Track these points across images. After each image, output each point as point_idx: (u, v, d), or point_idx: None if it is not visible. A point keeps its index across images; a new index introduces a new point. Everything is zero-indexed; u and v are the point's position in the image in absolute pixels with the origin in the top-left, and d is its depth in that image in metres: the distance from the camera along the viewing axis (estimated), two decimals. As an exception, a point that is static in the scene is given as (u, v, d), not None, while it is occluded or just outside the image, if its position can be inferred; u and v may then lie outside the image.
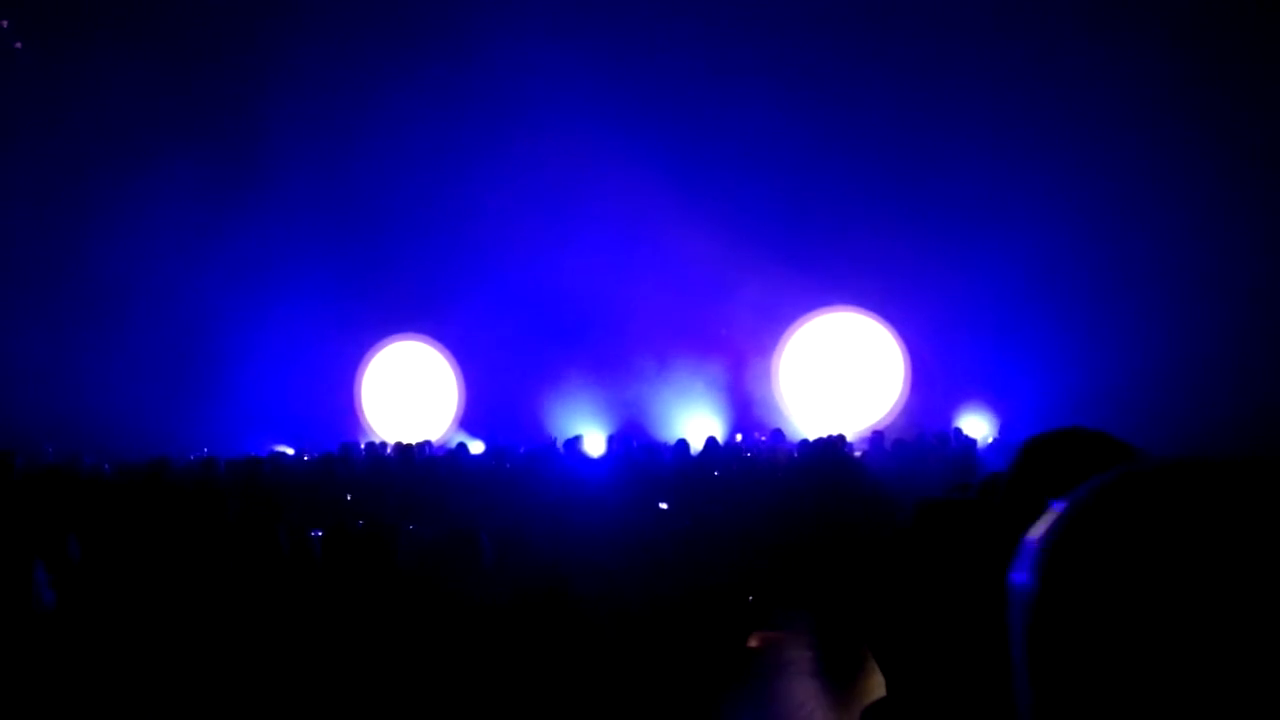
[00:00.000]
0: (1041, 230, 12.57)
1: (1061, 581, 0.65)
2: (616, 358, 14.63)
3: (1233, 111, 12.09)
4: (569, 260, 14.67)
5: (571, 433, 11.67)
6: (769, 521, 9.15)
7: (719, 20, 14.27)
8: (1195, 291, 11.79)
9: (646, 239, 14.45)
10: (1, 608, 2.84)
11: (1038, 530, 0.69)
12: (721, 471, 10.15)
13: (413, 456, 11.13)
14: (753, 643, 8.20)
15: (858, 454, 10.93)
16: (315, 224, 15.82)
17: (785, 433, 13.04)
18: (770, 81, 14.02)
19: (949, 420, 13.13)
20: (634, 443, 11.54)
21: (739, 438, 13.79)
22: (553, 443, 11.81)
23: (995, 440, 11.69)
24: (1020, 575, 0.69)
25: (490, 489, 8.88)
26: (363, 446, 12.34)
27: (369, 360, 17.64)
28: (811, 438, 11.39)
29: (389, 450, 12.01)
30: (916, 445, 10.96)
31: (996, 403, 13.23)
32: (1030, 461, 1.74)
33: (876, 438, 11.35)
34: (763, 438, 13.39)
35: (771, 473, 10.63)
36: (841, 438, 10.41)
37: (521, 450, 11.37)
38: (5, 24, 15.97)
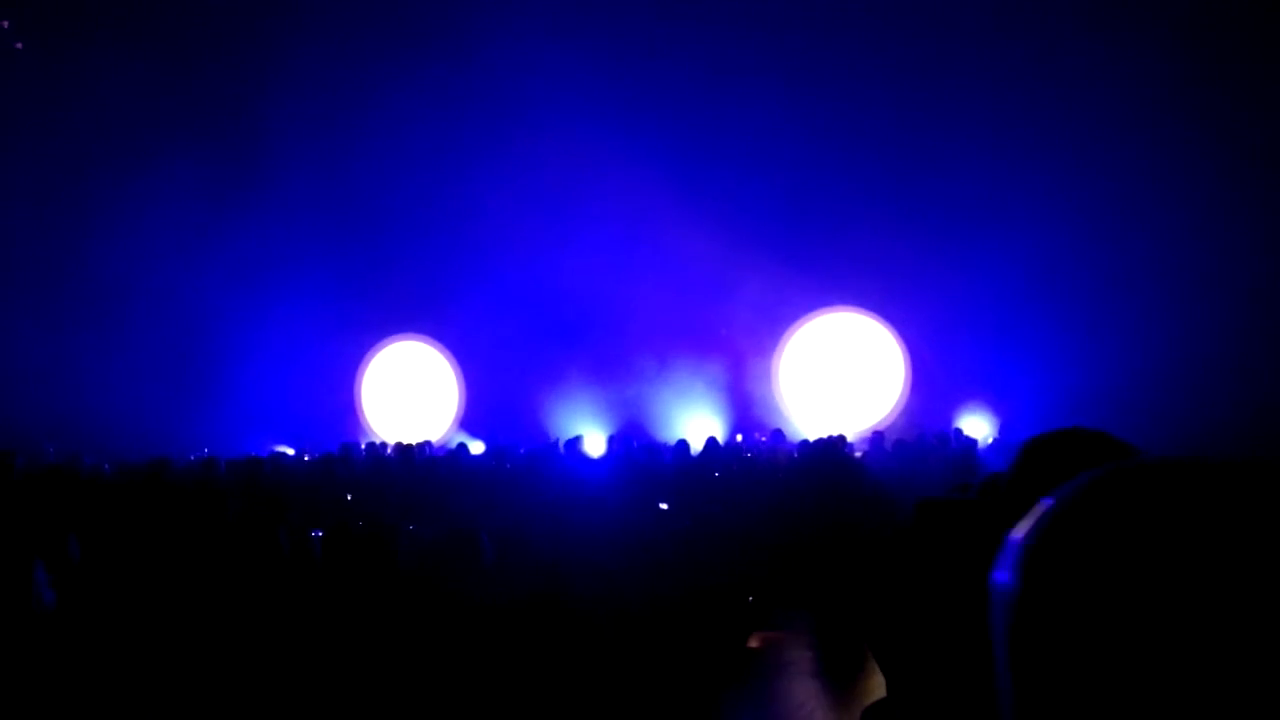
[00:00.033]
0: (1042, 230, 12.57)
1: (1043, 581, 0.65)
2: (617, 358, 14.64)
3: (1233, 111, 12.09)
4: (569, 260, 14.67)
5: (572, 433, 11.67)
6: (769, 522, 9.15)
7: (719, 20, 14.26)
8: (1195, 291, 11.79)
9: (647, 239, 14.45)
10: (2, 608, 2.84)
11: (1020, 529, 0.69)
12: (722, 472, 10.15)
13: (413, 457, 11.13)
14: (753, 643, 8.20)
15: (858, 454, 10.93)
16: (315, 224, 15.82)
17: (785, 433, 13.04)
18: (770, 81, 14.02)
19: (949, 420, 13.13)
20: (634, 443, 11.54)
21: (739, 438, 13.79)
22: (553, 443, 11.81)
23: (995, 440, 11.69)
24: (1002, 574, 0.69)
25: (491, 489, 8.88)
26: (363, 447, 12.34)
27: (369, 360, 17.64)
28: (812, 438, 11.39)
29: (389, 450, 12.01)
30: (917, 445, 10.95)
31: (997, 403, 13.23)
32: (1030, 462, 1.74)
33: (877, 438, 11.35)
34: (763, 438, 13.39)
35: (772, 473, 10.62)
36: (842, 438, 10.40)
37: (522, 450, 11.37)
38: (6, 24, 15.96)
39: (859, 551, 7.22)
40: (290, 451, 14.01)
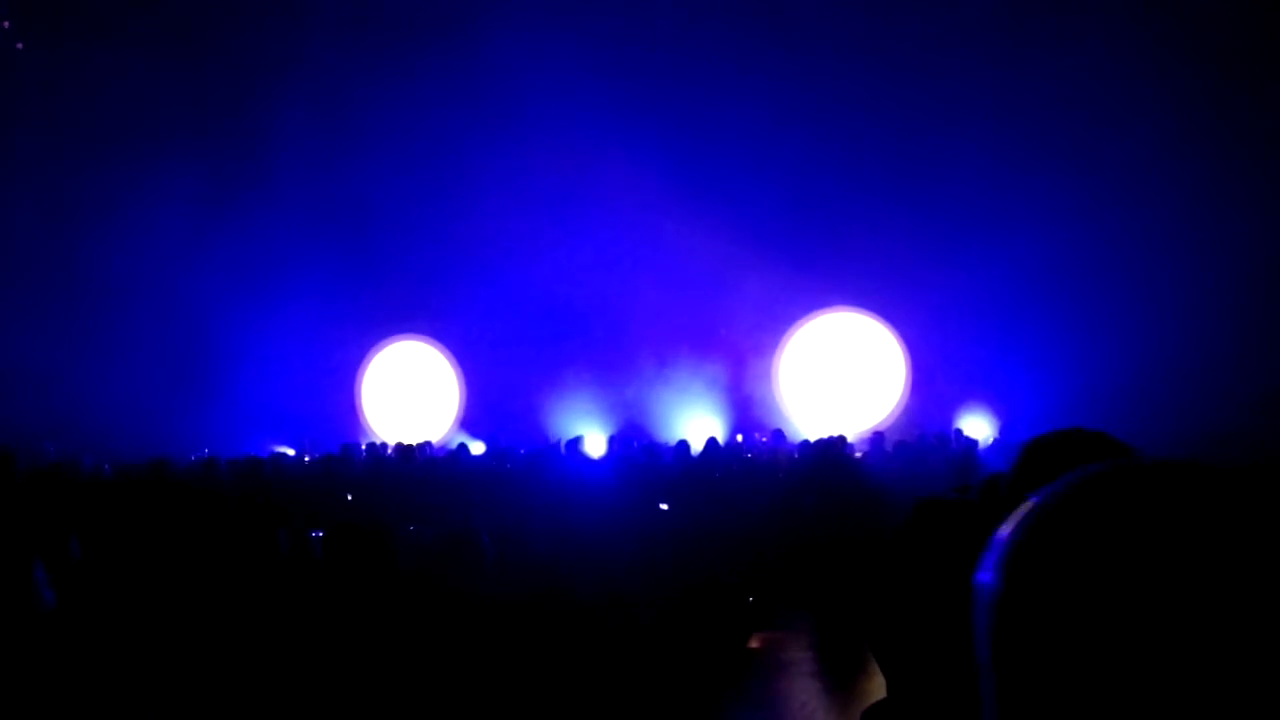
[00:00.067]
0: (1043, 231, 12.56)
1: (1024, 583, 0.64)
2: (617, 358, 14.64)
3: (1233, 112, 12.09)
4: (569, 260, 14.67)
5: (572, 433, 11.66)
6: (769, 522, 9.16)
7: (719, 20, 14.26)
8: (1196, 292, 11.78)
9: (647, 239, 14.45)
10: (2, 608, 2.84)
11: (1002, 531, 0.69)
12: (722, 472, 10.15)
13: (413, 457, 11.12)
14: (753, 643, 8.20)
15: (858, 455, 10.93)
16: (316, 224, 15.81)
17: (786, 433, 13.04)
18: (771, 81, 14.02)
19: (950, 421, 13.12)
20: (635, 443, 11.54)
21: (739, 438, 13.79)
22: (553, 443, 11.81)
23: (996, 441, 11.68)
24: (985, 575, 0.68)
25: (491, 490, 8.88)
26: (364, 447, 12.34)
27: (370, 361, 17.64)
28: (812, 438, 11.39)
29: (390, 451, 12.01)
30: (917, 446, 10.95)
31: (997, 403, 13.22)
32: (1031, 462, 1.74)
33: (877, 438, 11.34)
34: (763, 438, 13.39)
35: (772, 473, 10.63)
36: (842, 438, 10.40)
37: (522, 451, 11.37)
38: (6, 25, 15.97)
39: (859, 552, 7.22)
40: (291, 452, 14.01)
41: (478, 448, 12.60)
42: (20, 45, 16.07)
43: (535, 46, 13.84)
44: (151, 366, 14.43)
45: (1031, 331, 12.64)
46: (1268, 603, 0.57)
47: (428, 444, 13.27)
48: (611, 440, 11.61)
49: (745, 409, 14.82)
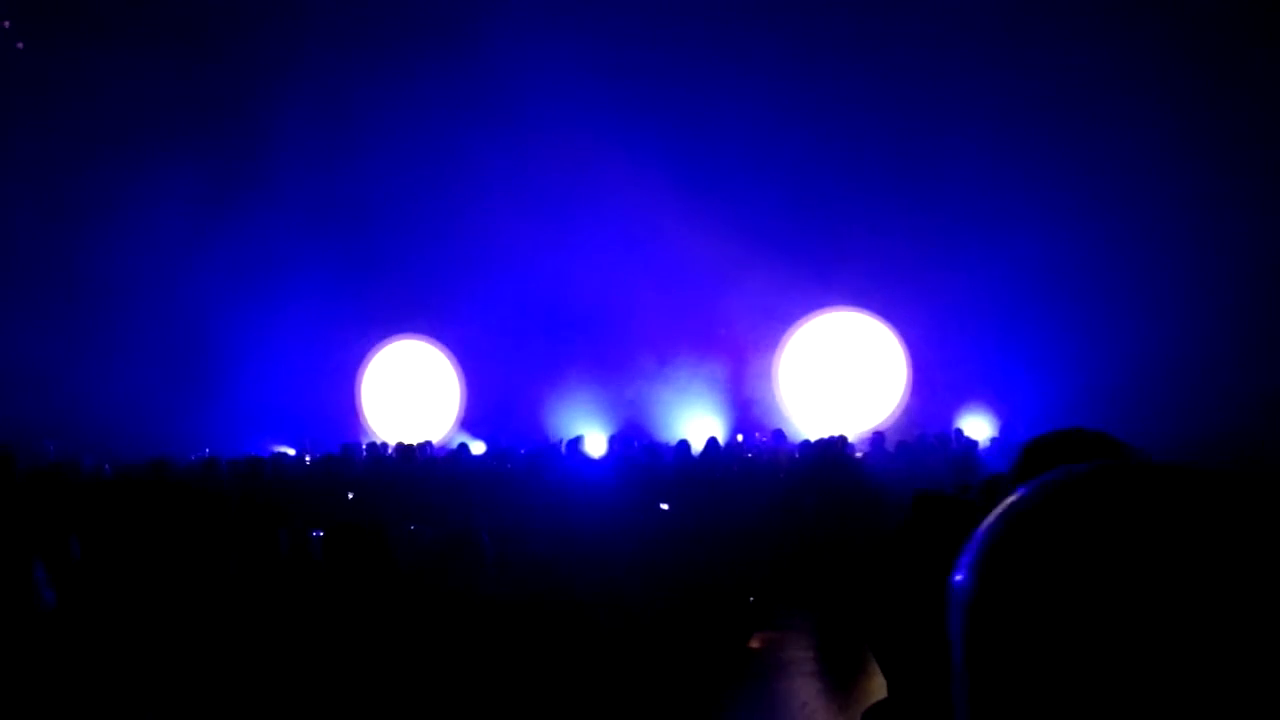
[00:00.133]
0: (1044, 231, 12.56)
1: (997, 585, 0.64)
2: (618, 358, 14.63)
3: (1233, 112, 12.09)
4: (570, 260, 14.66)
5: (573, 433, 11.66)
6: (770, 522, 9.16)
7: (720, 20, 14.26)
8: (1196, 292, 11.78)
9: (648, 238, 14.44)
10: (1, 607, 2.84)
11: (978, 531, 0.68)
12: (722, 472, 10.15)
13: (414, 457, 11.13)
14: (754, 643, 8.20)
15: (859, 455, 10.94)
16: (317, 223, 15.81)
17: (786, 433, 13.04)
18: (772, 80, 14.02)
19: (950, 421, 13.12)
20: (635, 443, 11.54)
21: (740, 438, 13.79)
22: (554, 443, 11.81)
23: (996, 441, 11.68)
24: (958, 576, 0.68)
25: (492, 489, 8.88)
26: (364, 447, 12.34)
27: (370, 360, 17.63)
28: (813, 438, 11.39)
29: (390, 451, 12.01)
30: (918, 446, 10.95)
31: (998, 403, 13.22)
32: (1031, 463, 1.74)
33: (878, 438, 11.35)
34: (764, 438, 13.39)
35: (772, 473, 10.64)
36: (843, 438, 10.41)
37: (523, 451, 11.37)
38: (7, 25, 15.97)
39: (859, 552, 7.22)
40: (291, 452, 14.01)
41: (478, 447, 12.60)
42: (20, 45, 16.07)
43: (535, 46, 13.83)
44: (152, 366, 14.42)
45: (1032, 331, 12.64)
46: (1240, 607, 0.57)
47: (428, 444, 13.26)
48: (612, 440, 11.61)
49: (746, 409, 14.81)
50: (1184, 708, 0.56)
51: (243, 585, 3.61)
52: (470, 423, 16.23)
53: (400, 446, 11.38)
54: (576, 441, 10.73)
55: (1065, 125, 12.85)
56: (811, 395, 15.11)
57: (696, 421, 13.86)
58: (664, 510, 8.23)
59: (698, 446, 10.71)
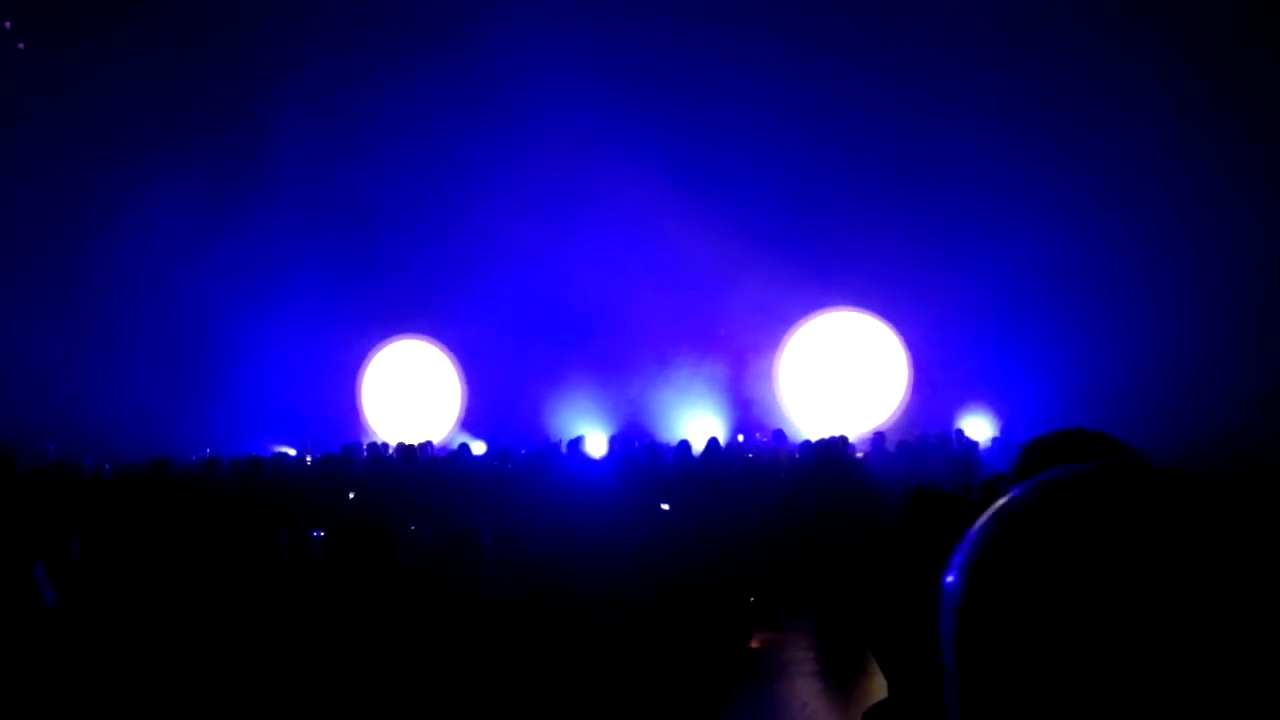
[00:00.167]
0: (1044, 231, 12.56)
1: (986, 587, 0.64)
2: (619, 358, 14.63)
3: (1233, 112, 12.09)
4: (570, 260, 14.67)
5: (573, 433, 11.66)
6: (771, 522, 9.16)
7: (720, 20, 14.26)
8: (1197, 292, 11.78)
9: (649, 238, 14.44)
10: (2, 608, 2.84)
11: (969, 532, 0.68)
12: (723, 473, 10.15)
13: (415, 457, 11.13)
14: (754, 643, 8.20)
15: (859, 455, 10.94)
16: (317, 223, 15.81)
17: (787, 433, 13.04)
18: (771, 81, 14.02)
19: (951, 421, 13.12)
20: (636, 443, 11.54)
21: (741, 438, 13.79)
22: (555, 443, 11.81)
23: (997, 441, 11.68)
24: (949, 577, 0.68)
25: (492, 490, 8.88)
26: (365, 447, 12.34)
27: (371, 360, 17.63)
28: (813, 439, 11.40)
29: (391, 451, 12.01)
30: (918, 446, 10.96)
31: (998, 404, 13.22)
32: (1031, 463, 1.74)
33: (878, 439, 11.35)
34: (765, 439, 13.39)
35: (773, 474, 10.64)
36: (843, 439, 10.41)
37: (523, 451, 11.37)
38: (8, 25, 15.97)
39: (860, 552, 7.22)
40: (292, 452, 14.01)
41: (479, 448, 12.60)
42: (21, 46, 16.07)
43: (535, 46, 13.83)
44: (152, 366, 14.43)
45: (1032, 331, 12.64)
46: (1228, 610, 0.57)
47: (429, 444, 13.27)
48: (613, 440, 11.61)
49: (746, 409, 14.82)
50: (1168, 711, 0.56)
51: (243, 585, 3.61)
52: (471, 423, 16.23)
53: (401, 446, 11.39)
54: (577, 442, 10.73)
55: (1065, 125, 12.85)
56: (812, 395, 15.11)
57: (697, 421, 13.86)
58: (664, 510, 8.23)
59: (698, 447, 10.71)
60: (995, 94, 12.94)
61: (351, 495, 9.48)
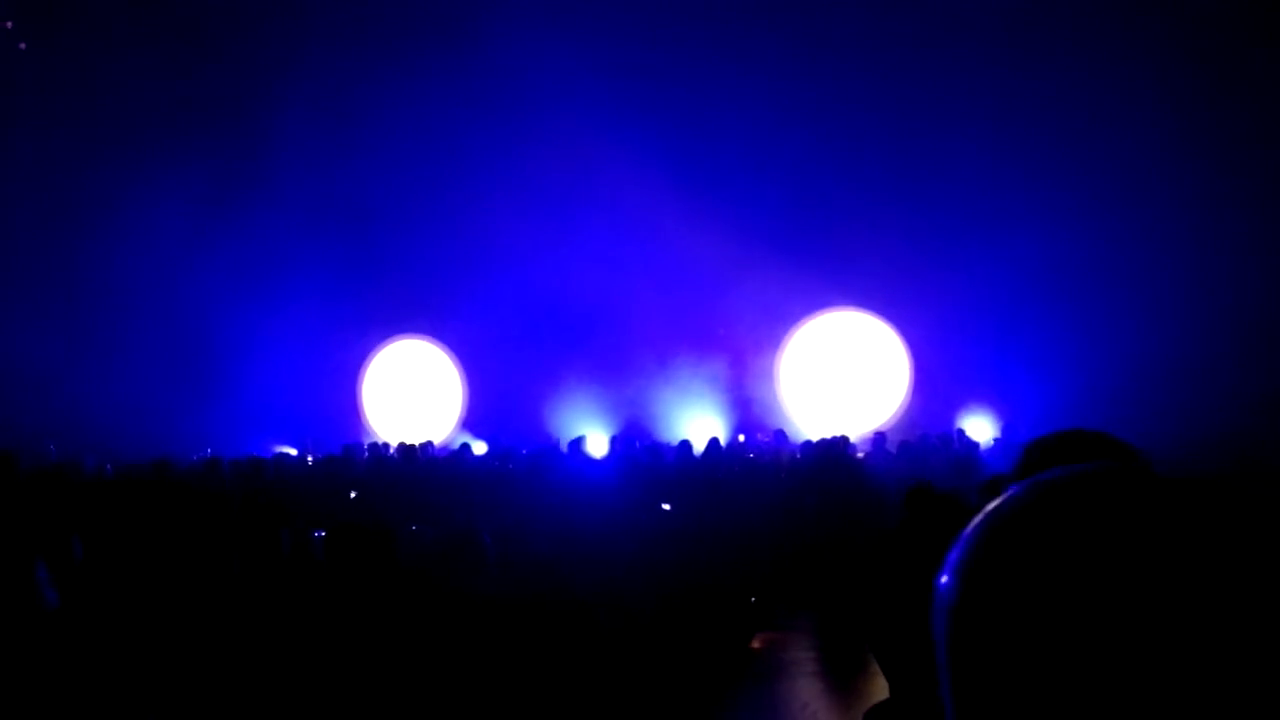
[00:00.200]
0: (1045, 231, 12.56)
1: (978, 588, 0.64)
2: (619, 358, 14.63)
3: (1234, 112, 12.08)
4: (571, 260, 14.67)
5: (574, 433, 11.66)
6: (771, 523, 9.16)
7: (720, 20, 14.26)
8: (1198, 292, 11.79)
9: (650, 239, 14.44)
10: (3, 608, 2.85)
11: (964, 533, 0.68)
12: (724, 473, 10.15)
13: (416, 457, 11.13)
14: (755, 644, 8.20)
15: (860, 455, 10.94)
16: (317, 223, 15.81)
17: (788, 434, 13.04)
18: (771, 81, 14.02)
19: (952, 421, 13.11)
20: (637, 443, 11.54)
21: (741, 439, 13.79)
22: (556, 443, 11.81)
23: (998, 441, 11.68)
24: (942, 578, 0.68)
25: (493, 490, 8.89)
26: (366, 447, 12.34)
27: (372, 360, 17.63)
28: (814, 439, 11.39)
29: (392, 451, 12.02)
30: (919, 446, 10.95)
31: (1000, 404, 13.21)
32: (1032, 463, 1.74)
33: (879, 439, 11.35)
34: (765, 439, 13.39)
35: (774, 474, 10.64)
36: (844, 439, 10.41)
37: (525, 451, 11.37)
38: (9, 25, 15.98)
39: (861, 553, 7.22)
40: (293, 452, 14.01)
41: (480, 448, 12.60)
42: (23, 46, 16.07)
43: (536, 46, 13.83)
44: (153, 366, 14.43)
45: (1033, 331, 12.64)
46: (1219, 613, 0.57)
47: (430, 444, 13.27)
48: (614, 440, 11.61)
49: (747, 409, 14.81)
50: (1159, 713, 0.57)
51: (245, 585, 3.62)
52: (472, 423, 16.23)
53: (402, 447, 11.40)
54: (578, 442, 10.73)
55: (1065, 125, 12.85)
56: (813, 395, 15.10)
57: (698, 422, 13.86)
58: (665, 510, 8.23)
59: (699, 447, 10.71)
60: (995, 94, 12.94)
61: (353, 495, 9.49)
